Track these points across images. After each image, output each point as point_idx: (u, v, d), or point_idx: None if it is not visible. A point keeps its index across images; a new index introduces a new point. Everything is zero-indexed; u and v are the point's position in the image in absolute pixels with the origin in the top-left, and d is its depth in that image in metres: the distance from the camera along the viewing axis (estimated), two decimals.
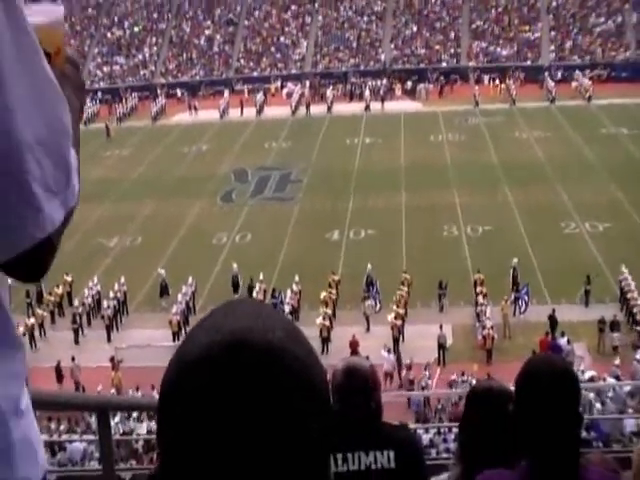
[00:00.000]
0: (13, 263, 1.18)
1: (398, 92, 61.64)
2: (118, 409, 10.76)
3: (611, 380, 22.48)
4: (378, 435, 3.42)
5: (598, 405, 21.45)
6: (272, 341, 0.98)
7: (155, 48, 70.39)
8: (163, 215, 37.47)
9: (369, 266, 30.16)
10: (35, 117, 1.14)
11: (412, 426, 21.49)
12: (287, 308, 28.34)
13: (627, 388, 20.88)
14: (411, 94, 61.32)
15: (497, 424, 2.91)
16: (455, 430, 19.41)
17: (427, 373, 24.15)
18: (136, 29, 71.99)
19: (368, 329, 28.11)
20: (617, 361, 23.58)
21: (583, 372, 23.24)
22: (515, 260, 29.92)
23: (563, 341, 25.11)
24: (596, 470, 2.54)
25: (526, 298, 28.38)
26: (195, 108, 58.96)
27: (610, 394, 21.51)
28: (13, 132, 1.10)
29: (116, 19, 73.72)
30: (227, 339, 0.97)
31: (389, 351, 25.98)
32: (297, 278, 29.72)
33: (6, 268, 1.20)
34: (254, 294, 29.01)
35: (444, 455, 18.39)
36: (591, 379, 22.67)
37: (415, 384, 24.17)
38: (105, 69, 67.97)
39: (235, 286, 30.40)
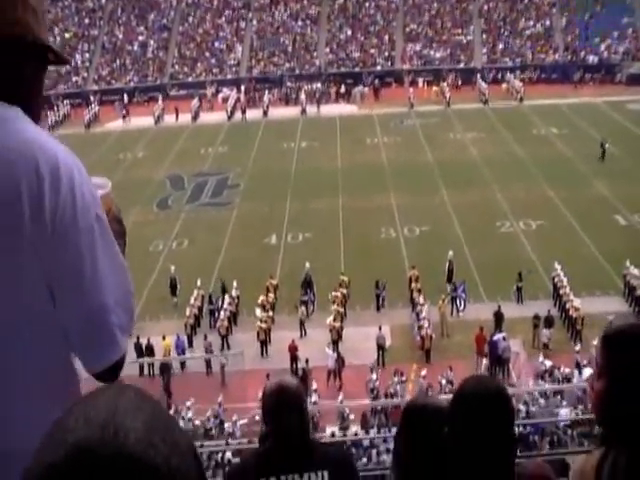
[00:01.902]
0: (100, 373, 1.97)
1: (334, 95, 61.88)
2: None
3: (567, 370, 23.44)
4: (312, 456, 3.40)
5: (542, 400, 21.91)
6: (123, 448, 0.91)
7: (87, 54, 69.37)
8: None
9: (307, 265, 30.19)
10: (114, 287, 1.94)
11: (354, 429, 21.73)
12: (225, 314, 28.18)
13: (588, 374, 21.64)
14: (346, 97, 61.61)
15: (431, 443, 2.84)
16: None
17: (396, 379, 23.97)
18: (67, 35, 70.79)
19: (305, 334, 27.87)
20: (577, 347, 24.12)
21: (542, 362, 23.94)
22: (451, 253, 30.34)
23: (500, 337, 25.48)
24: None
25: (464, 296, 28.70)
26: (127, 114, 58.31)
27: (575, 380, 22.30)
28: (103, 299, 1.91)
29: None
30: (71, 454, 0.91)
31: (334, 349, 26.02)
32: (235, 283, 29.57)
33: (96, 376, 1.98)
34: (191, 300, 28.77)
35: (384, 457, 18.53)
36: (551, 371, 23.40)
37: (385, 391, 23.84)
38: None
39: (173, 288, 30.14)
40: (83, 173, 1.90)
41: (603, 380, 2.21)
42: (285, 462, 3.33)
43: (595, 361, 2.33)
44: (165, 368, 25.30)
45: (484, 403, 2.41)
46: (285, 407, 3.30)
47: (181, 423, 22.52)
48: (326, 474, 3.33)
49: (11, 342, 1.86)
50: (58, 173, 1.82)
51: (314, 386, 23.73)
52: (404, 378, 24.15)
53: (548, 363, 23.89)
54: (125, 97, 62.31)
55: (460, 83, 62.11)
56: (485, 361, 24.82)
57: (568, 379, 23.39)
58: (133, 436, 0.91)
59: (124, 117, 58.15)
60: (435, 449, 2.78)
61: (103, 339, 1.94)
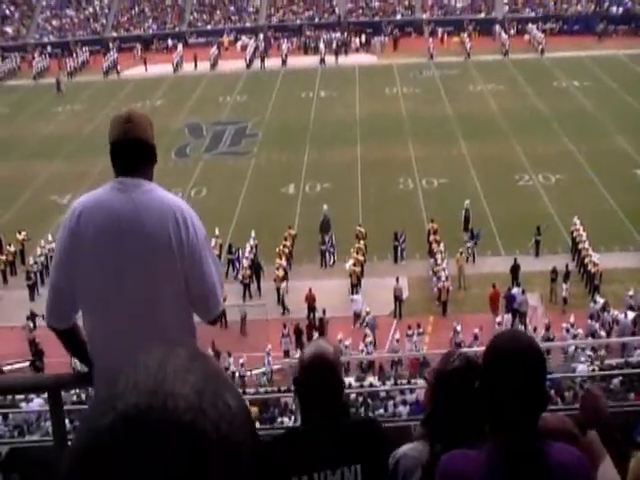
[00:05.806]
0: (210, 321, 3.67)
1: (354, 45, 61.26)
2: (71, 387, 10.35)
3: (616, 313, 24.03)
4: (345, 444, 3.12)
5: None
6: (172, 416, 0.90)
7: (106, 1, 68.75)
8: None
9: (325, 207, 30.27)
10: (216, 273, 3.57)
11: (370, 379, 21.86)
12: (246, 263, 28.32)
13: (631, 316, 22.35)
14: (366, 47, 61.00)
15: (465, 400, 2.87)
16: (413, 381, 19.70)
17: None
18: None
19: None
20: (631, 292, 24.40)
21: (596, 301, 24.69)
22: (467, 202, 30.36)
23: (517, 291, 25.52)
24: (559, 448, 2.50)
25: (475, 238, 28.85)
26: (145, 62, 58.03)
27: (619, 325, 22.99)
28: (212, 280, 3.54)
29: None
30: (119, 421, 0.90)
31: (358, 292, 26.37)
32: (253, 233, 29.67)
33: (207, 322, 3.69)
34: None
35: (400, 408, 18.71)
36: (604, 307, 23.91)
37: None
38: (54, 22, 66.31)
39: None
40: (195, 215, 3.47)
41: None
42: (317, 456, 3.09)
43: None
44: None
45: (518, 358, 2.39)
46: (323, 384, 3.05)
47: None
48: (359, 468, 3.10)
49: (164, 301, 3.45)
50: (185, 219, 3.39)
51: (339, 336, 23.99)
52: (421, 330, 24.31)
53: (601, 300, 24.29)
54: (136, 47, 61.89)
55: (480, 33, 61.25)
56: (507, 316, 24.79)
57: (617, 321, 23.65)
58: (182, 403, 0.91)
59: (145, 63, 57.74)
60: (466, 403, 2.84)
61: (214, 303, 3.59)
